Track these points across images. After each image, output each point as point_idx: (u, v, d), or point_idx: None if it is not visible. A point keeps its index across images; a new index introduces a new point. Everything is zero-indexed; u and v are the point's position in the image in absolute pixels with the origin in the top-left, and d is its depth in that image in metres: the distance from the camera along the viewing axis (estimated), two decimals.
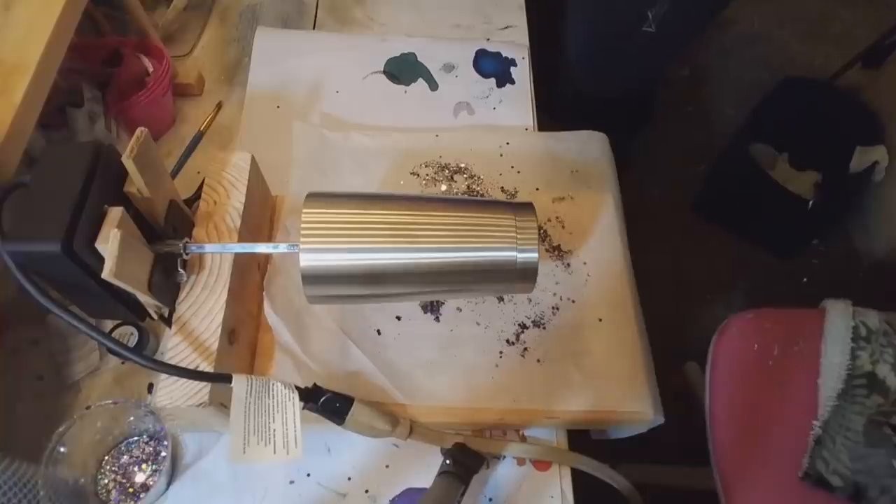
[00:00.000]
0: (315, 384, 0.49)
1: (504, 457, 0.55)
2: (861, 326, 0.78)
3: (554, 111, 0.99)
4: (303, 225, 0.47)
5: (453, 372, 0.56)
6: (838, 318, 0.79)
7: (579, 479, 0.55)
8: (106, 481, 0.54)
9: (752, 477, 0.74)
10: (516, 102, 0.77)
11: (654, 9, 0.82)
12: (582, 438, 0.59)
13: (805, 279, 1.45)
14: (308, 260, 0.47)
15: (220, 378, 0.45)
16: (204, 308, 0.49)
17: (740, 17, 1.80)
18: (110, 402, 0.52)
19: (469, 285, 0.53)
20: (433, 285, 0.52)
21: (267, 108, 0.75)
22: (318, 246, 0.47)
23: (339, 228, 0.48)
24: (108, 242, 0.41)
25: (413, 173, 0.68)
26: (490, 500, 0.54)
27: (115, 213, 0.43)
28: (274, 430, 0.45)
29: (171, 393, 0.46)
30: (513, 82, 0.79)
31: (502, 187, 0.68)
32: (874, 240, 1.44)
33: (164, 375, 0.46)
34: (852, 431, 0.73)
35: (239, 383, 0.44)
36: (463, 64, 0.80)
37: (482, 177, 0.68)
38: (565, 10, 1.05)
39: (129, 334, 0.57)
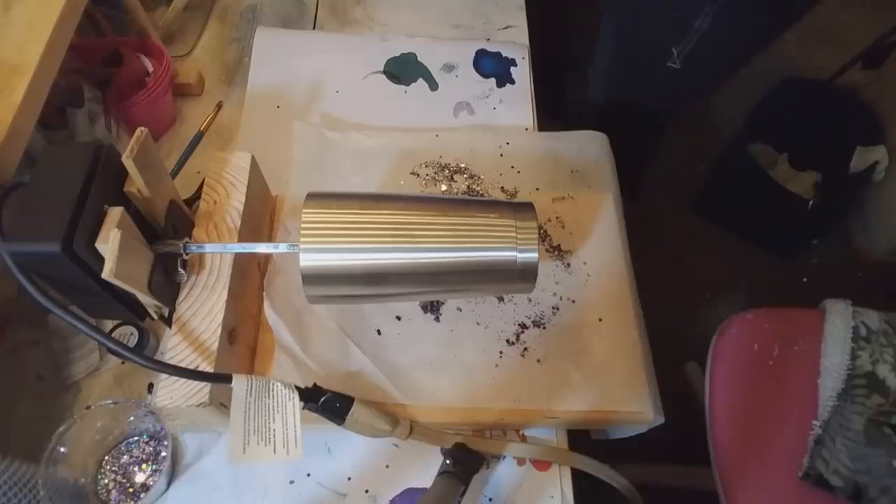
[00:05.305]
0: (315, 384, 0.49)
1: (504, 457, 0.55)
2: (861, 326, 0.78)
3: (566, 114, 0.98)
4: (303, 225, 0.47)
5: (453, 372, 0.56)
6: (838, 318, 0.79)
7: (579, 479, 0.55)
8: (106, 481, 0.54)
9: (752, 477, 0.74)
10: (516, 102, 0.77)
11: (680, 46, 0.81)
12: (582, 438, 0.59)
13: (805, 279, 1.45)
14: (308, 260, 0.47)
15: (220, 378, 0.45)
16: (204, 308, 0.49)
17: None
18: (110, 402, 0.52)
19: (469, 285, 0.53)
20: (433, 285, 0.52)
21: (267, 108, 0.75)
22: (318, 246, 0.47)
23: (339, 228, 0.48)
24: (108, 242, 0.41)
25: (413, 173, 0.68)
26: (490, 500, 0.54)
27: (115, 213, 0.43)
28: (274, 430, 0.45)
29: (171, 393, 0.46)
30: (513, 82, 0.79)
31: (502, 187, 0.68)
32: (874, 240, 1.44)
33: (164, 375, 0.46)
34: (852, 431, 0.73)
35: (239, 383, 0.44)
36: (463, 64, 0.80)
37: (482, 177, 0.68)
38: (598, 26, 1.04)
39: (129, 334, 0.57)
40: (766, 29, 0.84)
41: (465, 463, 0.51)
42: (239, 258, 0.53)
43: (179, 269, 0.49)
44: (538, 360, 0.57)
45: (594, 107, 1.14)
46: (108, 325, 0.59)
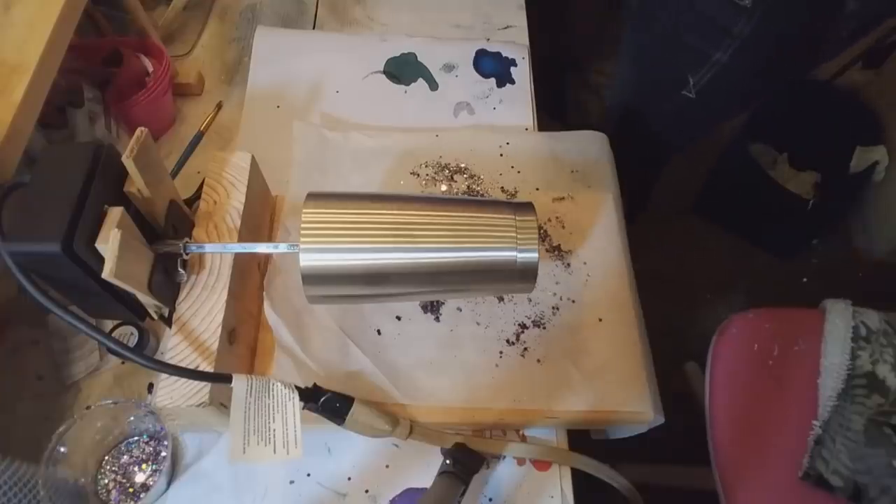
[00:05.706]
0: (315, 384, 0.49)
1: (504, 457, 0.55)
2: (861, 326, 0.78)
3: (566, 114, 0.95)
4: (303, 225, 0.47)
5: (453, 372, 0.56)
6: (838, 318, 0.79)
7: (579, 479, 0.55)
8: (106, 481, 0.54)
9: (752, 477, 0.74)
10: (516, 102, 0.77)
11: (697, 76, 0.81)
12: (582, 438, 0.59)
13: (805, 279, 1.45)
14: (308, 260, 0.47)
15: (220, 378, 0.45)
16: (204, 308, 0.49)
17: None
18: (110, 402, 0.52)
19: (469, 285, 0.53)
20: (433, 285, 0.52)
21: (267, 108, 0.75)
22: (318, 246, 0.47)
23: (339, 228, 0.48)
24: (108, 242, 0.41)
25: (413, 173, 0.68)
26: (490, 500, 0.54)
27: (115, 213, 0.43)
28: (274, 430, 0.45)
29: (171, 393, 0.46)
30: (513, 82, 0.79)
31: (502, 187, 0.68)
32: (874, 240, 1.44)
33: (164, 375, 0.46)
34: (852, 431, 0.73)
35: (239, 383, 0.44)
36: (463, 64, 0.80)
37: (482, 177, 0.68)
38: (604, 27, 1.03)
39: (129, 334, 0.57)
40: (786, 71, 0.83)
41: (465, 463, 0.51)
42: (239, 258, 0.53)
43: (179, 269, 0.49)
44: (538, 360, 0.57)
45: (608, 120, 1.13)
46: (108, 325, 0.59)
